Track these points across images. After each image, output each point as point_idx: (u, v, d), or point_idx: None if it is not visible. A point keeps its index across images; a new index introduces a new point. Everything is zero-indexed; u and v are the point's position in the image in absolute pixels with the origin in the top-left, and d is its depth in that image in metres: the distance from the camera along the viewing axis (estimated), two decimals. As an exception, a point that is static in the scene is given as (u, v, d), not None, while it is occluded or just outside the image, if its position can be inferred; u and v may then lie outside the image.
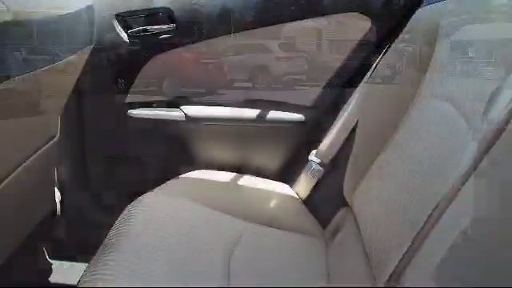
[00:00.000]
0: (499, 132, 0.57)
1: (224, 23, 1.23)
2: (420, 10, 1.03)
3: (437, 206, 0.66)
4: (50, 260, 1.54)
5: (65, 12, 0.84)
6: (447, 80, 0.87)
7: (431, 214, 0.67)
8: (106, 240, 0.99)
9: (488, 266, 0.50)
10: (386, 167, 0.98)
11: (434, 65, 0.93)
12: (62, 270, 1.53)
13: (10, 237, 1.10)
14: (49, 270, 1.53)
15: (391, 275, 0.72)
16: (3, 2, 0.68)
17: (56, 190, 1.37)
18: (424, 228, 0.68)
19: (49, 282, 1.51)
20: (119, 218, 1.06)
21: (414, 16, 1.03)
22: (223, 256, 0.97)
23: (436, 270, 0.60)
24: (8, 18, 0.69)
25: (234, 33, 1.23)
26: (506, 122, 0.57)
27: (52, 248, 1.52)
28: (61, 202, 1.39)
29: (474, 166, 0.61)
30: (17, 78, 0.74)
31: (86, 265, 0.90)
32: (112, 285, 0.83)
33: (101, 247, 0.97)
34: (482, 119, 0.66)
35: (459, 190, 0.62)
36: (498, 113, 0.60)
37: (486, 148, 0.59)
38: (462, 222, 0.58)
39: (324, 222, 1.19)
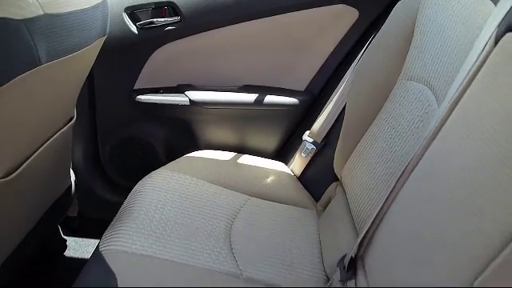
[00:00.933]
0: (451, 110, 0.69)
1: (223, 15, 1.33)
2: (400, 3, 1.14)
3: (403, 172, 0.77)
4: (64, 236, 1.64)
5: (87, 6, 0.95)
6: (422, 64, 0.98)
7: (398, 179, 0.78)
8: (120, 210, 1.11)
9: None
10: (371, 143, 1.09)
11: (411, 51, 1.04)
12: (77, 246, 1.64)
13: (30, 213, 1.20)
14: (63, 246, 1.64)
15: (363, 239, 0.83)
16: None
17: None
18: (389, 197, 0.79)
19: (64, 256, 1.62)
20: (132, 192, 1.17)
21: (395, 7, 1.14)
22: (225, 225, 1.08)
23: (399, 232, 0.71)
24: (41, 11, 0.80)
25: (231, 24, 1.34)
26: (457, 100, 0.68)
27: (66, 225, 1.63)
28: (74, 181, 1.49)
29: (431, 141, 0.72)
30: (44, 64, 0.85)
31: (99, 241, 1.01)
32: (129, 245, 0.95)
33: (116, 216, 1.08)
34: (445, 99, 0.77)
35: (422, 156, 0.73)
36: (453, 91, 0.71)
37: (440, 125, 0.70)
38: (425, 186, 0.69)
39: (316, 196, 1.30)
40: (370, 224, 0.79)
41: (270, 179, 1.32)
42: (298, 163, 1.37)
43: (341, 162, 1.19)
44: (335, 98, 1.31)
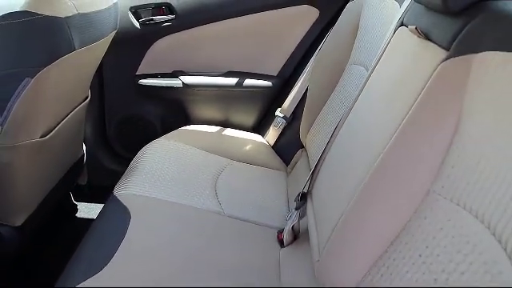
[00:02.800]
0: (368, 78, 0.99)
1: (209, 14, 1.62)
2: (350, 3, 1.44)
3: (338, 123, 1.07)
4: (75, 201, 1.91)
5: (105, 6, 1.24)
6: (361, 52, 1.29)
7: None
8: (129, 167, 1.39)
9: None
10: (327, 116, 1.39)
11: (356, 42, 1.35)
12: (86, 209, 1.90)
13: (55, 172, 1.47)
14: (75, 209, 1.90)
15: (311, 178, 1.13)
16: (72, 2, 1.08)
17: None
18: (329, 142, 1.09)
19: (75, 217, 1.88)
20: (137, 155, 1.45)
21: (345, 8, 1.44)
22: (212, 180, 1.37)
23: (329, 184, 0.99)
24: (75, 11, 1.09)
25: (216, 21, 1.62)
26: (370, 73, 0.98)
27: (76, 191, 1.88)
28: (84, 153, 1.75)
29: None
30: (76, 50, 1.13)
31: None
32: (137, 190, 1.23)
33: (126, 171, 1.37)
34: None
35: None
36: (374, 62, 1.01)
37: (362, 88, 1.00)
38: (349, 130, 0.99)
39: (286, 160, 1.59)
40: (315, 165, 1.09)
41: (248, 147, 1.62)
42: (271, 134, 1.67)
43: (305, 131, 1.49)
44: (301, 81, 1.61)
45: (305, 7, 1.59)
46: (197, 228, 1.14)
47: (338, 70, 1.39)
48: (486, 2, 0.68)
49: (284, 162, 1.61)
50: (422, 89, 0.71)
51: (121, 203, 1.18)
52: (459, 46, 0.67)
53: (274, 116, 1.67)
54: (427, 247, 0.64)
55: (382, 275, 0.72)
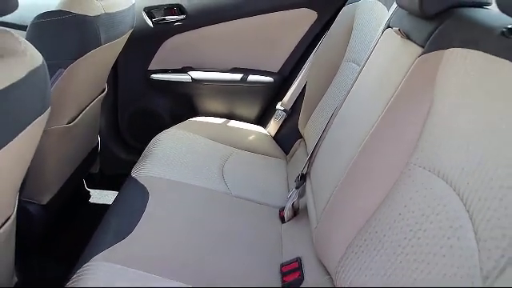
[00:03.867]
0: (359, 73, 1.14)
1: (217, 15, 1.77)
2: (345, 7, 1.59)
3: (333, 113, 1.22)
4: (87, 188, 2.04)
5: (125, 7, 1.38)
6: (355, 50, 1.43)
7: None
8: (143, 153, 1.52)
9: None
10: (324, 108, 1.53)
11: (350, 42, 1.49)
12: (98, 196, 2.03)
13: (75, 158, 1.60)
14: (88, 196, 2.03)
15: (309, 160, 1.27)
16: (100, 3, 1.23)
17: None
18: (325, 129, 1.23)
19: (89, 202, 2.02)
20: (150, 142, 1.58)
21: (341, 11, 1.59)
22: (219, 165, 1.51)
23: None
24: (103, 11, 1.23)
25: (223, 22, 1.77)
26: (361, 68, 1.13)
27: (89, 179, 2.01)
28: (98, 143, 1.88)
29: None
30: (102, 46, 1.27)
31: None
32: (152, 172, 1.37)
33: (141, 157, 1.50)
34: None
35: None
36: (364, 59, 1.16)
37: (353, 82, 1.15)
38: (342, 117, 1.14)
39: (286, 150, 1.73)
40: (312, 149, 1.24)
41: (251, 137, 1.76)
42: (272, 126, 1.82)
43: (303, 123, 1.64)
44: (300, 77, 1.76)
45: (304, 10, 1.74)
46: (208, 205, 1.28)
47: (333, 67, 1.54)
48: (454, 9, 0.83)
49: (284, 151, 1.75)
50: (403, 79, 0.86)
51: (139, 183, 1.32)
52: (432, 43, 0.82)
53: (275, 109, 1.82)
54: (405, 206, 0.79)
55: (369, 233, 0.86)
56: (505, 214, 0.58)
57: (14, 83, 0.70)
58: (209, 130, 1.72)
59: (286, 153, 1.74)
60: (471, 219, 0.63)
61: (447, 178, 0.71)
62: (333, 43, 1.58)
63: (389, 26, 1.09)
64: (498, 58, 0.65)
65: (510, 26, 0.65)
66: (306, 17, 1.76)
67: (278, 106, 1.80)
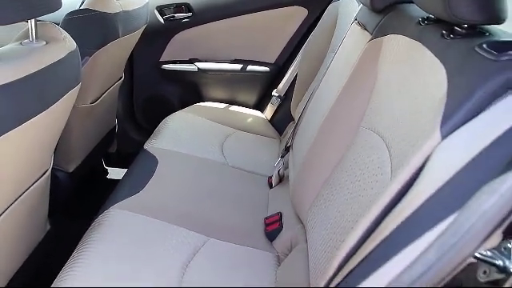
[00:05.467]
0: (332, 59, 1.36)
1: (221, 12, 2.01)
2: (330, 5, 1.81)
3: (312, 92, 1.45)
4: (106, 166, 2.29)
5: (140, 6, 1.63)
6: (337, 42, 1.65)
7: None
8: (155, 130, 1.77)
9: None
10: (319, 93, 1.75)
11: (334, 36, 1.71)
12: (115, 173, 2.27)
13: (96, 135, 1.85)
14: (106, 173, 2.28)
15: (293, 133, 1.50)
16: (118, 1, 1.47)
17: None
18: (306, 106, 1.46)
19: (107, 178, 2.26)
20: (161, 123, 1.83)
21: (327, 9, 1.81)
22: (219, 142, 1.74)
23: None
24: (121, 9, 1.48)
25: (225, 18, 2.01)
26: (335, 53, 1.36)
27: (107, 158, 2.25)
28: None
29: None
30: (120, 38, 1.52)
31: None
32: (163, 145, 1.61)
33: (154, 131, 1.74)
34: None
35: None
36: (336, 48, 1.39)
37: (326, 69, 1.38)
38: (319, 95, 1.37)
39: (280, 131, 1.97)
40: (296, 122, 1.47)
41: (249, 120, 2.00)
42: (268, 110, 2.06)
43: (294, 106, 1.86)
44: (292, 67, 1.99)
45: (296, 8, 1.98)
46: (207, 171, 1.52)
47: (320, 57, 1.76)
48: (397, 4, 1.06)
49: (278, 132, 1.98)
50: (358, 61, 1.09)
51: (150, 153, 1.56)
52: (377, 31, 1.04)
53: (271, 95, 2.05)
54: (354, 159, 1.02)
55: (331, 184, 1.08)
56: (412, 151, 0.80)
57: (57, 61, 0.94)
58: (212, 113, 1.96)
59: (281, 134, 1.97)
60: (390, 160, 0.86)
61: (380, 134, 0.94)
62: (320, 37, 1.80)
63: (355, 20, 1.31)
64: (414, 41, 0.87)
65: (421, 18, 0.88)
66: (298, 13, 1.99)
67: (274, 93, 2.04)
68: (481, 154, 0.51)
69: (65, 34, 1.03)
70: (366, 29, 1.15)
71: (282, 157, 1.51)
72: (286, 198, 1.38)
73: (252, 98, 2.15)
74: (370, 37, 1.09)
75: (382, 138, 0.93)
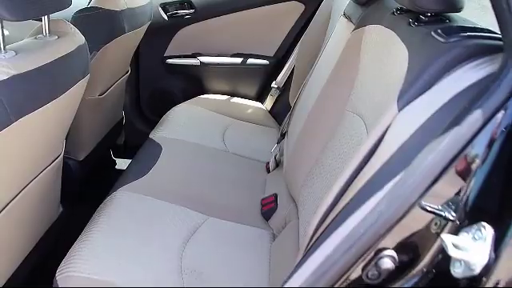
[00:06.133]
0: (323, 49, 1.45)
1: (221, 9, 2.10)
2: (325, 0, 1.90)
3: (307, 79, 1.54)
4: (114, 158, 2.40)
5: (145, 3, 1.73)
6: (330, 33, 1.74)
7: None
8: (160, 120, 1.87)
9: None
10: (311, 82, 1.84)
11: (328, 28, 1.80)
12: (122, 163, 2.37)
13: (103, 126, 1.96)
14: (114, 164, 2.39)
15: (289, 118, 1.60)
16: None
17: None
18: (301, 91, 1.56)
19: (115, 168, 2.37)
20: (165, 114, 1.94)
21: (322, 3, 1.90)
22: (221, 131, 1.84)
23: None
24: (126, 6, 1.58)
25: (226, 14, 2.10)
26: (326, 44, 1.45)
27: (114, 149, 2.35)
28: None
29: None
30: (126, 34, 1.62)
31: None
32: (166, 134, 1.72)
33: (159, 122, 1.85)
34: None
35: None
36: (327, 40, 1.48)
37: (318, 59, 1.47)
38: (313, 81, 1.47)
39: (280, 122, 2.06)
40: (291, 110, 1.57)
41: (249, 111, 2.10)
42: (268, 102, 2.16)
43: (292, 97, 1.95)
44: (290, 60, 2.09)
45: (293, 3, 2.07)
46: (209, 157, 1.62)
47: (315, 50, 1.84)
48: (378, -2, 1.15)
49: (278, 123, 2.07)
50: (342, 50, 1.18)
51: (155, 141, 1.67)
52: (360, 22, 1.13)
53: (271, 87, 2.15)
54: (339, 140, 1.11)
55: (321, 163, 1.17)
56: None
57: (68, 53, 1.05)
58: (214, 105, 2.06)
59: (280, 124, 2.06)
60: (367, 131, 0.95)
61: (361, 115, 1.03)
62: (315, 30, 1.89)
63: (343, 13, 1.40)
64: (388, 29, 0.96)
65: (395, 8, 0.97)
66: (295, 9, 2.09)
67: (273, 85, 2.14)
68: (427, 120, 0.60)
69: (74, 29, 1.14)
70: (351, 20, 1.24)
71: (278, 143, 1.61)
72: (282, 181, 1.47)
73: (252, 89, 2.24)
74: (352, 27, 1.18)
75: (362, 118, 1.02)
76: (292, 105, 1.94)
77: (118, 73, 1.86)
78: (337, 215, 0.70)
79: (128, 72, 2.00)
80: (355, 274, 0.61)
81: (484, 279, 0.51)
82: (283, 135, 1.61)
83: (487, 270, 0.51)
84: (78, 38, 1.14)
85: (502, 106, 0.52)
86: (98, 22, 1.51)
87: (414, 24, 0.83)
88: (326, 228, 0.72)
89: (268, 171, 1.63)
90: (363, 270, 0.60)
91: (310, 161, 1.22)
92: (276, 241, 1.28)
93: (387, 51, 0.92)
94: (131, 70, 2.05)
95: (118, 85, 1.88)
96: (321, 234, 0.73)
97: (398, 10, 0.97)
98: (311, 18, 2.02)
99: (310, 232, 0.83)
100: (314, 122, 1.26)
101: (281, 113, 2.08)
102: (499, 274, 0.50)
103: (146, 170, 1.45)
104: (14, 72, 0.86)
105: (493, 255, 0.51)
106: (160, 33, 2.12)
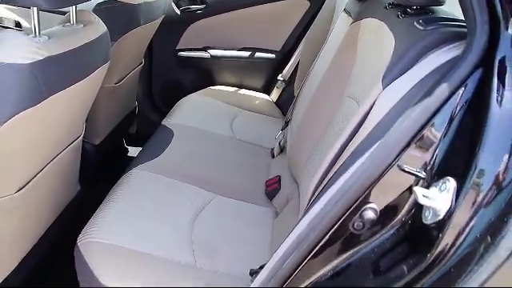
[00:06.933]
0: (325, 43, 1.56)
1: (230, 4, 2.22)
2: (328, -4, 2.01)
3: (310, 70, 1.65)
4: (126, 146, 2.51)
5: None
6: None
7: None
8: (171, 110, 1.99)
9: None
10: (313, 72, 1.95)
11: (332, 22, 1.91)
12: (134, 151, 2.48)
13: (118, 114, 2.07)
14: (126, 151, 2.50)
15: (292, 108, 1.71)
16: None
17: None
18: (304, 83, 1.66)
19: (127, 156, 2.48)
20: (177, 104, 2.05)
21: (326, 0, 2.01)
22: (229, 120, 1.95)
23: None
24: (142, 1, 1.69)
25: (235, 10, 2.22)
26: (328, 37, 1.55)
27: (128, 138, 2.47)
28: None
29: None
30: (141, 26, 1.74)
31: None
32: (178, 120, 1.83)
33: (170, 111, 1.96)
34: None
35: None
36: (329, 34, 1.58)
37: (320, 51, 1.58)
38: (314, 74, 1.57)
39: (285, 112, 2.17)
40: (294, 99, 1.68)
41: (256, 102, 2.21)
42: (274, 93, 2.27)
43: (297, 89, 2.05)
44: (296, 54, 2.20)
45: (299, 0, 2.19)
46: (216, 142, 1.74)
47: (319, 45, 1.95)
48: (375, -7, 1.25)
49: (283, 113, 2.18)
50: (341, 41, 1.29)
51: (167, 127, 1.78)
52: (357, 16, 1.24)
53: (277, 80, 2.26)
54: (337, 123, 1.21)
55: (320, 144, 1.28)
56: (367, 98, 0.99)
57: (92, 40, 1.16)
58: (223, 95, 2.17)
59: (285, 114, 2.17)
60: (358, 105, 1.05)
61: (356, 99, 1.13)
62: (320, 26, 2.00)
63: (344, 9, 1.51)
64: (380, 22, 1.07)
65: (387, 3, 1.07)
66: (301, 5, 2.20)
67: (279, 77, 2.25)
68: (405, 94, 0.71)
69: (98, 19, 1.25)
70: (350, 15, 1.35)
71: (282, 129, 1.72)
72: (285, 165, 1.58)
73: (259, 82, 2.36)
74: (351, 21, 1.28)
75: (357, 102, 1.13)
76: (295, 94, 2.06)
77: (133, 63, 1.97)
78: (330, 178, 0.81)
79: (142, 63, 2.11)
80: (343, 225, 0.72)
81: (447, 223, 0.62)
82: (287, 123, 1.72)
83: (450, 214, 0.61)
84: (100, 27, 1.25)
85: (463, 82, 0.62)
86: (116, 14, 1.62)
87: (401, 16, 0.94)
88: (321, 190, 0.83)
89: (272, 156, 1.74)
90: (350, 221, 0.71)
91: (311, 143, 1.33)
92: (278, 217, 1.39)
93: (379, 40, 1.03)
94: (144, 62, 2.16)
95: (132, 75, 2.00)
96: (316, 196, 0.84)
97: (389, 4, 1.08)
98: (316, 14, 2.13)
99: (309, 195, 0.94)
100: (315, 108, 1.37)
101: (286, 104, 2.18)
102: (458, 218, 0.60)
103: (160, 152, 1.57)
104: (47, 54, 0.98)
105: (454, 203, 0.61)
106: (172, 27, 2.23)
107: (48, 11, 1.83)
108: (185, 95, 2.15)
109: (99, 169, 2.03)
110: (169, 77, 2.37)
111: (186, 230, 1.25)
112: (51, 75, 1.00)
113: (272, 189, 1.51)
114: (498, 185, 0.59)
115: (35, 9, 0.99)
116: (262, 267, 0.92)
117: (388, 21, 0.99)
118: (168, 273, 1.11)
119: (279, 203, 1.45)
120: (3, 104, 0.94)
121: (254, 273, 1.04)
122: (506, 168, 0.60)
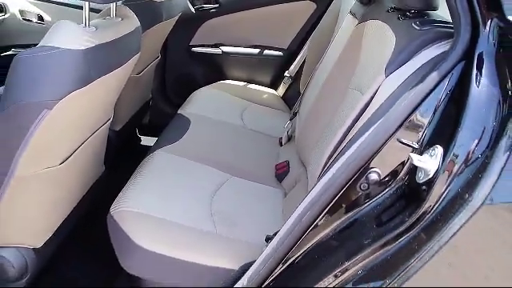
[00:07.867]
0: (331, 42, 1.73)
1: (242, 4, 2.38)
2: (335, 0, 2.17)
3: (317, 67, 1.81)
4: (139, 135, 2.66)
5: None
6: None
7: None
8: (185, 102, 2.14)
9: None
10: (320, 69, 2.11)
11: (337, 23, 2.07)
12: (148, 140, 2.64)
13: (135, 104, 2.23)
14: (139, 140, 2.65)
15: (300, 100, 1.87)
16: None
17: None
18: (311, 78, 1.83)
19: (140, 145, 2.63)
20: (190, 96, 2.21)
21: (332, 3, 2.18)
22: (239, 112, 2.11)
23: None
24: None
25: (246, 10, 2.38)
26: (334, 37, 1.72)
27: (141, 128, 2.63)
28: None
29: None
30: (163, 21, 1.90)
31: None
32: (192, 110, 1.99)
33: (184, 103, 2.12)
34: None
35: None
36: (335, 34, 1.75)
37: (327, 50, 1.74)
38: (321, 71, 1.74)
39: (290, 106, 2.34)
40: (302, 92, 1.84)
41: (264, 96, 2.37)
42: (281, 89, 2.44)
43: (303, 85, 2.22)
44: (302, 52, 2.37)
45: (306, 2, 2.36)
46: (230, 131, 1.90)
47: (324, 44, 2.11)
48: (379, -3, 1.42)
49: (289, 107, 2.34)
50: (347, 40, 1.45)
51: (184, 116, 1.94)
52: (362, 18, 1.40)
53: (284, 76, 2.43)
54: (342, 111, 1.37)
55: (326, 130, 1.44)
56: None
57: (129, 32, 1.32)
58: (233, 89, 2.33)
59: (291, 108, 2.33)
60: (362, 94, 1.21)
61: (361, 90, 1.30)
62: (325, 27, 2.17)
63: (350, 11, 1.67)
64: (383, 23, 1.23)
65: (390, 7, 1.24)
66: (308, 7, 2.37)
67: (286, 74, 2.42)
68: (404, 81, 0.87)
69: (132, 13, 1.41)
70: (355, 17, 1.51)
71: (290, 120, 1.88)
72: (293, 152, 1.74)
73: (267, 77, 2.53)
74: (356, 22, 1.45)
75: (360, 92, 1.29)
76: (302, 91, 2.23)
77: (152, 56, 2.13)
78: (339, 152, 0.97)
79: (158, 57, 2.27)
80: (351, 186, 0.88)
81: (435, 181, 0.78)
82: (295, 114, 1.89)
83: (437, 174, 0.77)
84: (135, 21, 1.41)
85: (449, 71, 0.79)
86: (143, 10, 1.77)
87: (401, 18, 1.11)
88: (331, 162, 0.99)
89: (281, 144, 1.90)
90: (357, 182, 0.87)
91: (319, 129, 1.49)
92: (287, 196, 1.55)
93: (382, 38, 1.19)
94: (160, 56, 2.32)
95: (150, 67, 2.15)
96: (327, 167, 1.00)
97: (391, 8, 1.25)
98: (322, 15, 2.29)
99: (317, 174, 1.10)
100: (322, 100, 1.53)
101: (292, 99, 2.35)
102: (444, 177, 0.77)
103: (179, 137, 1.73)
104: (97, 42, 1.14)
105: (441, 165, 0.78)
106: (187, 24, 2.39)
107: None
108: (196, 88, 2.30)
109: (117, 155, 2.18)
110: (182, 71, 2.52)
111: (206, 204, 1.40)
112: (99, 61, 1.16)
113: (281, 172, 1.67)
114: (474, 152, 0.76)
115: (87, 3, 1.15)
116: (275, 234, 1.07)
117: (390, 22, 1.16)
118: (193, 238, 1.26)
119: (288, 184, 1.61)
120: (59, 85, 1.10)
121: (268, 238, 1.20)
122: (480, 139, 0.76)
